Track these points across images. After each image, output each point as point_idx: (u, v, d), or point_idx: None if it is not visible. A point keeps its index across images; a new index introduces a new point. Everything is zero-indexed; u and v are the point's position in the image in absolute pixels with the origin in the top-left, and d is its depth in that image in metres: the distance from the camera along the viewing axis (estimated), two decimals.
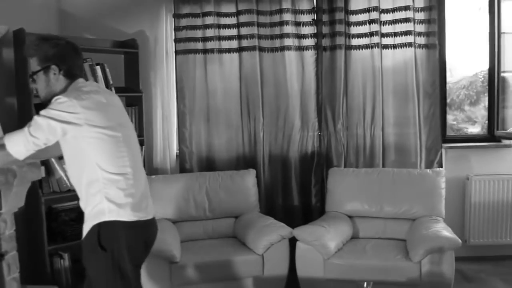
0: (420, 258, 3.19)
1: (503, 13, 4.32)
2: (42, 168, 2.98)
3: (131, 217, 2.17)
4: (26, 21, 3.78)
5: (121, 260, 2.16)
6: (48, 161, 3.59)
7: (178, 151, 4.35)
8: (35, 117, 2.08)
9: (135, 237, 2.21)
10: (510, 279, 4.00)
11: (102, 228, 2.15)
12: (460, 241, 3.22)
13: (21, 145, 2.08)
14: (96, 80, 3.85)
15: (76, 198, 3.74)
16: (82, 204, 2.25)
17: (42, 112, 2.08)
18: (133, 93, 4.16)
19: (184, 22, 4.22)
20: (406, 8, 4.14)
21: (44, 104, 2.19)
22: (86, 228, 2.21)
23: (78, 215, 3.74)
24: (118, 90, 4.14)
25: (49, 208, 3.77)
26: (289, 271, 3.52)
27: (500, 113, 4.49)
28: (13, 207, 2.88)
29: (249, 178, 4.06)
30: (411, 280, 3.22)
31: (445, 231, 3.33)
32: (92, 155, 2.14)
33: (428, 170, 3.94)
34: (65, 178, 3.70)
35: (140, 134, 4.13)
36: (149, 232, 2.31)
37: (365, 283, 2.44)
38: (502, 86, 4.44)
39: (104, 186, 2.15)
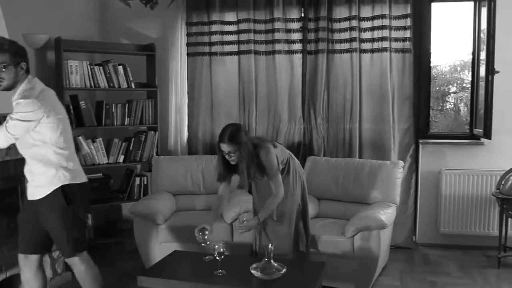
0: (350, 235, 3.77)
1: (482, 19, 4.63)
2: None
3: (83, 179, 3.07)
4: (72, 28, 4.84)
5: (78, 211, 3.05)
6: (76, 139, 4.61)
7: (187, 137, 5.21)
8: (8, 119, 2.78)
9: (85, 194, 3.11)
10: (466, 265, 4.41)
11: (64, 189, 2.94)
12: (385, 223, 3.74)
13: (2, 138, 2.83)
14: (117, 77, 4.82)
15: (98, 170, 4.79)
16: (39, 174, 2.95)
17: (13, 115, 2.78)
18: (150, 88, 5.07)
19: (194, 29, 5.06)
20: (383, 16, 4.64)
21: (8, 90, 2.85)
22: (45, 191, 2.93)
23: (100, 185, 4.78)
24: (140, 86, 5.10)
25: None
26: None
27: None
28: None
29: None
30: (345, 253, 3.81)
31: (380, 214, 3.84)
32: (48, 136, 2.89)
33: (387, 161, 4.43)
34: (90, 154, 4.71)
35: (155, 122, 5.05)
36: (88, 190, 3.20)
37: (270, 245, 3.11)
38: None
39: (58, 159, 2.93)
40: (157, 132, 5.06)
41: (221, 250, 3.13)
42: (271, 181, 3.47)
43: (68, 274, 4.07)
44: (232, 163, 3.38)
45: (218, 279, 3.04)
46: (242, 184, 3.58)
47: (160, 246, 4.15)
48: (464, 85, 6.68)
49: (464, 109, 6.60)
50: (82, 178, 3.09)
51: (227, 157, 3.35)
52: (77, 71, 4.60)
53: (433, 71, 5.08)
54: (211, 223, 3.49)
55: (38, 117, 2.81)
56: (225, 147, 3.30)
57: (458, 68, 6.66)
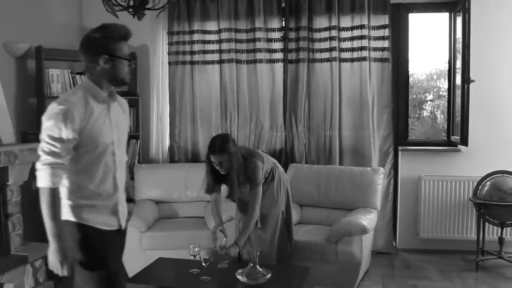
0: (333, 240, 3.83)
1: (458, 29, 4.77)
2: None
3: None
4: (52, 37, 4.83)
5: None
6: None
7: (169, 145, 5.22)
8: None
9: None
10: (445, 269, 4.50)
11: None
12: (366, 228, 3.81)
13: None
14: None
15: None
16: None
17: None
18: (132, 96, 5.07)
19: (175, 38, 5.08)
20: (362, 27, 4.74)
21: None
22: None
23: None
24: (122, 94, 5.01)
25: None
26: None
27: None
28: (18, 181, 3.89)
29: None
30: (328, 258, 3.87)
31: (362, 220, 3.91)
32: None
33: (368, 168, 4.51)
34: None
35: (136, 130, 5.05)
36: None
37: (255, 252, 3.14)
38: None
39: None
40: (138, 140, 5.06)
41: (207, 256, 3.15)
42: (251, 191, 3.48)
43: (50, 283, 4.03)
44: (223, 173, 3.40)
45: (204, 284, 3.06)
46: (231, 194, 3.59)
47: (144, 253, 4.14)
48: (441, 93, 6.86)
49: (440, 117, 6.75)
50: None
51: (217, 167, 3.36)
52: (58, 79, 4.59)
53: (410, 80, 5.21)
54: (222, 226, 3.51)
55: None
56: (216, 158, 3.31)
57: (435, 77, 6.84)
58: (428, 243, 4.95)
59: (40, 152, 2.11)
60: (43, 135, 2.10)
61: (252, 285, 3.03)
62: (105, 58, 2.19)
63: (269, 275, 3.08)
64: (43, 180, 2.08)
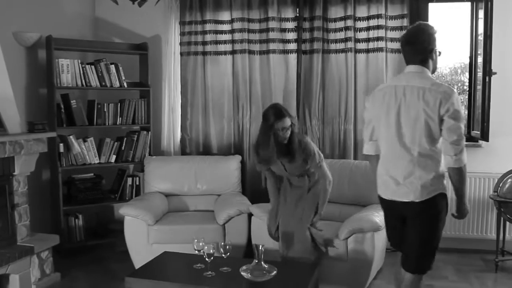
0: (344, 237, 3.69)
1: (479, 20, 4.57)
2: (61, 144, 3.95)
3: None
4: (63, 26, 4.80)
5: None
6: (66, 138, 4.54)
7: (180, 137, 5.13)
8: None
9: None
10: (462, 269, 4.34)
11: None
12: (379, 225, 3.66)
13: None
14: (110, 76, 4.75)
15: (89, 170, 4.76)
16: None
17: None
18: (143, 87, 5.00)
19: (187, 28, 4.99)
20: (378, 16, 4.57)
21: None
22: None
23: (92, 185, 4.72)
24: (133, 85, 5.03)
25: (69, 178, 4.73)
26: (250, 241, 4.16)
27: None
28: (24, 171, 3.85)
29: (233, 163, 4.75)
30: (339, 256, 3.73)
31: (374, 216, 3.76)
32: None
33: None
34: (81, 154, 4.64)
35: (147, 122, 4.98)
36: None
37: (260, 246, 3.04)
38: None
39: None
40: (149, 132, 4.99)
41: (211, 251, 3.07)
42: (318, 168, 3.64)
43: (56, 275, 4.01)
44: (285, 141, 3.46)
45: (207, 280, 2.98)
46: (292, 159, 3.56)
47: (151, 247, 4.07)
48: (465, 87, 6.62)
49: (465, 112, 6.53)
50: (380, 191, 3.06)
51: (282, 132, 3.41)
52: (68, 69, 4.53)
53: (433, 74, 5.00)
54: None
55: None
56: (286, 122, 3.40)
57: (459, 71, 6.61)
58: (445, 242, 4.70)
59: (463, 134, 2.56)
60: (463, 120, 2.56)
61: (256, 282, 2.94)
62: (435, 51, 2.64)
63: (275, 272, 2.98)
64: (465, 159, 2.70)
